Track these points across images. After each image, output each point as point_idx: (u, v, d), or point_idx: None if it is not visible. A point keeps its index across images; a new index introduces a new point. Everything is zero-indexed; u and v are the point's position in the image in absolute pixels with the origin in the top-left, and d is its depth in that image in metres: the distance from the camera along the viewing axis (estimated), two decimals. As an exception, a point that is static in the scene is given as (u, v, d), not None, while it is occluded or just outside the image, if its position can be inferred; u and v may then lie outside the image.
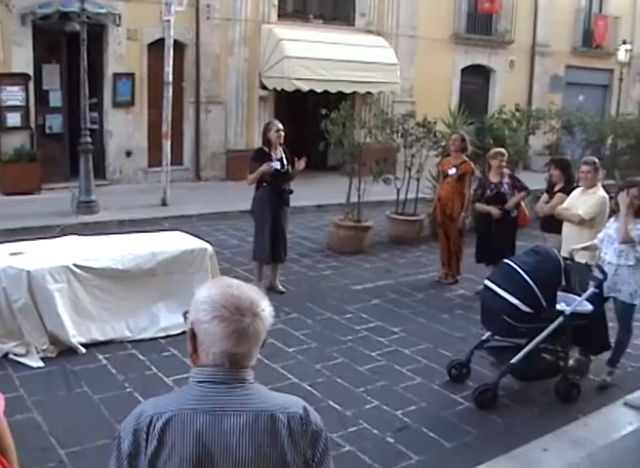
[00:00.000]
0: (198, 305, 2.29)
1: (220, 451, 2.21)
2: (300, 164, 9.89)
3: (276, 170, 9.60)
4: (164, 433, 2.21)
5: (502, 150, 10.60)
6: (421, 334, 8.80)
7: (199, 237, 9.36)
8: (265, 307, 2.31)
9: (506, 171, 10.47)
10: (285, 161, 9.76)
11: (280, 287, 10.11)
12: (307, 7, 21.08)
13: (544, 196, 9.38)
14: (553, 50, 27.34)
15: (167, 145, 15.65)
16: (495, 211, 10.07)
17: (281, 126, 9.82)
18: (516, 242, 10.24)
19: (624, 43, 27.46)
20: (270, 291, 9.76)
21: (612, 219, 7.56)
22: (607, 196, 8.21)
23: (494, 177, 10.30)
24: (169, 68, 15.39)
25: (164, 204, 15.51)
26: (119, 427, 2.34)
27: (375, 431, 6.29)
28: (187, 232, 9.56)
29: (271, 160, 9.59)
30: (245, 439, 2.22)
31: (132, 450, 2.22)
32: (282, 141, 9.78)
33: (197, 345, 2.30)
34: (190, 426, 2.21)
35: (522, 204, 10.40)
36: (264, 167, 9.53)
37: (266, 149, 9.72)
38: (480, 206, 10.34)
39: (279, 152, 9.75)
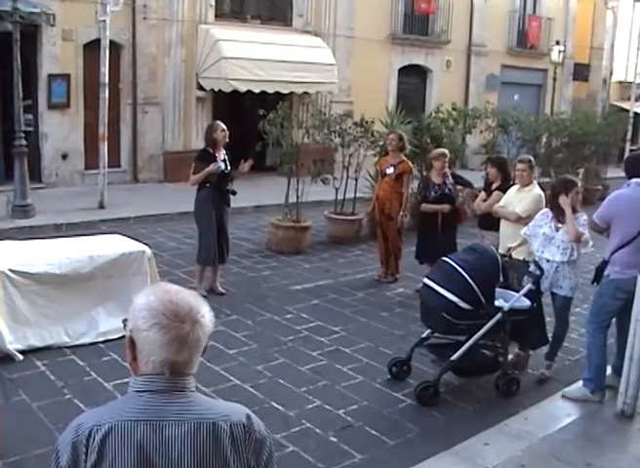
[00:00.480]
0: (136, 313, 2.23)
1: (161, 462, 2.16)
2: (245, 167, 9.92)
3: (222, 170, 9.59)
4: (104, 445, 2.14)
5: (445, 151, 10.66)
6: (362, 333, 8.83)
7: (137, 240, 9.25)
8: (205, 313, 2.27)
9: (448, 171, 10.53)
10: (227, 162, 9.76)
11: (220, 288, 10.05)
12: (245, 7, 21.01)
13: (482, 194, 9.48)
14: (489, 50, 27.73)
15: (104, 147, 15.44)
16: (445, 207, 10.12)
17: (224, 126, 9.81)
18: (457, 240, 10.33)
19: (558, 44, 27.98)
20: (210, 292, 9.74)
21: (538, 217, 7.66)
22: (543, 193, 8.34)
23: (437, 179, 10.34)
24: (105, 69, 15.20)
25: (101, 207, 15.31)
26: (59, 435, 2.28)
27: (318, 431, 6.29)
28: (125, 235, 9.43)
29: (216, 161, 9.57)
30: (187, 449, 2.17)
31: (71, 465, 2.16)
32: (227, 141, 9.78)
33: (136, 353, 2.25)
34: (131, 437, 2.15)
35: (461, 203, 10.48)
36: (212, 167, 9.48)
37: (211, 150, 9.67)
38: (426, 206, 10.36)
39: (222, 153, 9.74)
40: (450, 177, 10.39)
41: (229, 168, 9.77)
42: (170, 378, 2.22)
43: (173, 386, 2.23)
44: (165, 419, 2.18)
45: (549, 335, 7.67)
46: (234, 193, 9.96)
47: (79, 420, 2.24)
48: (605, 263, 6.93)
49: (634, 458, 5.96)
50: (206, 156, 9.67)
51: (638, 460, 5.93)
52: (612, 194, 6.99)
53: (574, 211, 7.31)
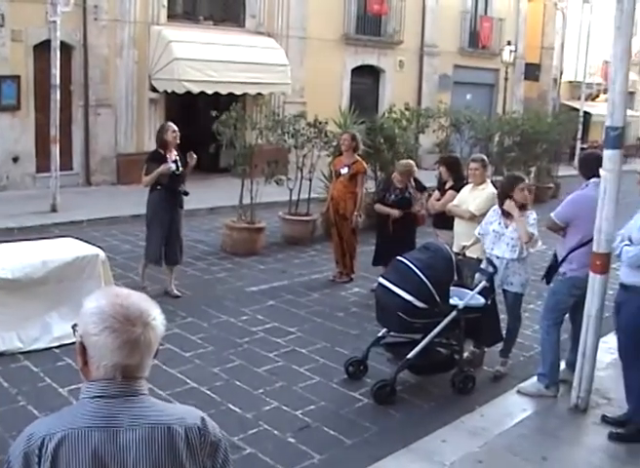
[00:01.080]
0: (87, 317, 2.19)
1: None
2: (192, 156, 9.84)
3: (173, 171, 9.56)
4: (57, 454, 2.10)
5: (412, 167, 10.37)
6: (318, 334, 8.83)
7: (90, 243, 9.14)
8: (156, 316, 2.24)
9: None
10: (179, 163, 9.72)
11: (175, 291, 9.99)
12: (197, 8, 20.90)
13: (436, 193, 9.53)
14: (441, 50, 27.93)
15: (55, 150, 15.26)
16: (395, 212, 10.13)
17: (176, 128, 9.81)
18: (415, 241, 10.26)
19: (509, 44, 28.32)
20: (165, 295, 9.69)
21: (489, 215, 7.73)
22: (496, 192, 8.40)
23: (399, 183, 10.30)
24: (56, 71, 15.02)
25: (54, 210, 15.13)
26: (12, 442, 2.25)
27: (275, 432, 6.28)
28: (78, 238, 9.32)
29: (167, 162, 9.55)
30: (142, 454, 2.15)
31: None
32: (178, 142, 9.76)
33: (87, 358, 2.22)
34: (85, 445, 2.12)
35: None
36: (163, 168, 9.47)
37: (162, 151, 9.66)
38: (379, 207, 10.37)
39: (174, 154, 9.71)
40: (412, 182, 10.34)
41: (181, 169, 9.73)
42: (122, 383, 2.20)
43: (125, 391, 2.20)
44: (119, 425, 2.15)
45: (503, 332, 7.75)
46: (186, 194, 9.93)
47: (31, 429, 2.20)
48: (558, 262, 7.01)
49: (588, 451, 6.05)
50: (157, 157, 9.65)
51: (592, 452, 6.01)
52: (572, 195, 7.04)
53: (524, 208, 7.40)
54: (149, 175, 9.58)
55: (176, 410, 2.30)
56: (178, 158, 9.74)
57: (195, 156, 9.91)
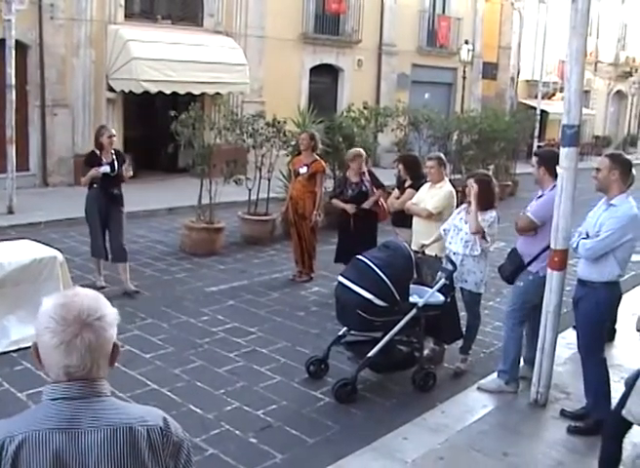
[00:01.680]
0: (37, 318, 2.19)
1: None
2: (128, 170, 10.14)
3: (105, 173, 9.80)
4: (17, 457, 2.08)
5: (360, 151, 10.62)
6: (279, 333, 8.82)
7: (48, 245, 9.05)
8: (102, 316, 2.20)
9: (366, 169, 10.50)
10: (116, 164, 9.91)
11: (132, 286, 10.09)
12: (155, 7, 20.73)
13: (395, 192, 9.55)
14: (399, 49, 28.04)
15: (12, 151, 15.08)
16: (349, 207, 10.16)
17: (114, 132, 10.21)
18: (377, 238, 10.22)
19: (466, 43, 28.52)
20: (125, 296, 9.70)
21: (456, 211, 7.81)
22: (454, 190, 8.47)
23: (354, 177, 10.35)
24: (11, 70, 14.85)
25: (10, 212, 14.94)
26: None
27: (237, 432, 6.26)
28: (36, 240, 9.21)
29: (101, 164, 9.79)
30: (104, 455, 2.13)
31: None
32: (113, 147, 10.04)
33: (41, 360, 2.22)
34: (46, 447, 2.10)
35: (381, 199, 10.44)
36: (92, 172, 9.81)
37: (98, 152, 9.91)
38: (336, 202, 10.40)
39: (110, 155, 9.92)
40: (367, 176, 10.39)
41: (117, 170, 9.91)
42: (82, 384, 2.18)
43: (86, 392, 2.18)
44: (80, 427, 2.13)
45: (463, 329, 7.80)
46: (118, 196, 10.10)
47: None
48: (524, 262, 7.01)
49: (547, 445, 6.11)
50: (91, 159, 9.97)
51: (551, 446, 6.07)
52: (548, 196, 6.95)
53: (491, 206, 7.45)
54: (84, 176, 9.96)
55: (138, 411, 2.28)
56: (114, 159, 9.92)
57: (131, 173, 10.24)
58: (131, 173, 10.21)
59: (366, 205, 10.19)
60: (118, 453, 2.15)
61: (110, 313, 2.24)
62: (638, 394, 4.86)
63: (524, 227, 7.05)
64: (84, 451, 2.12)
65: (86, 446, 2.13)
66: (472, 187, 7.44)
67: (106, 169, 9.79)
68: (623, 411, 4.95)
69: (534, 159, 7.28)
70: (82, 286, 2.38)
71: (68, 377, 2.17)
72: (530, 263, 6.97)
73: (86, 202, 10.13)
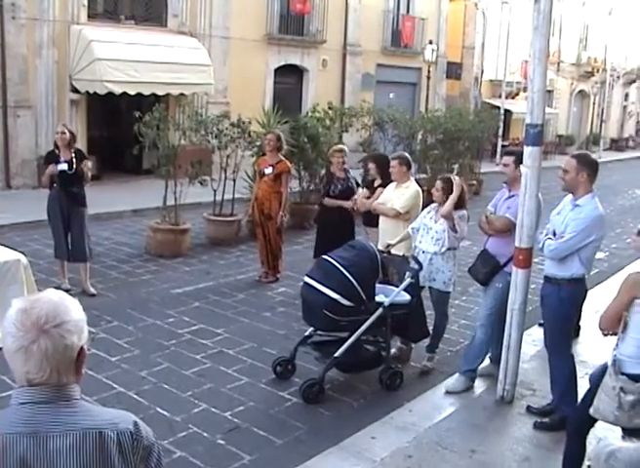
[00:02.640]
0: (4, 321, 2.17)
1: None
2: (87, 166, 9.99)
3: (62, 171, 9.73)
4: None
5: (341, 147, 10.70)
6: (245, 334, 8.80)
7: (12, 248, 8.93)
8: (61, 323, 2.16)
9: (346, 166, 10.49)
10: (75, 162, 9.82)
11: (91, 289, 10.05)
12: (119, 7, 20.56)
13: (364, 191, 9.50)
14: (364, 49, 28.07)
15: (-28, 153, 14.92)
16: (348, 203, 10.12)
17: (62, 129, 10.03)
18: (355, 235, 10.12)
19: (431, 43, 28.65)
20: (83, 294, 9.65)
21: (426, 210, 7.83)
22: (420, 189, 8.48)
23: (339, 173, 10.37)
24: (-29, 72, 14.67)
25: (-28, 215, 14.78)
26: None
27: (205, 434, 6.24)
28: (-1, 243, 9.14)
29: (59, 162, 9.73)
30: (73, 460, 2.11)
31: None
32: (67, 143, 9.85)
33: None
34: (13, 451, 2.08)
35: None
36: (50, 168, 9.77)
37: (56, 151, 9.89)
38: (329, 201, 10.35)
39: (68, 153, 9.83)
40: (351, 172, 10.44)
41: (74, 168, 9.81)
42: (51, 389, 2.16)
43: (50, 397, 2.16)
44: (49, 431, 2.11)
45: (430, 328, 7.82)
46: (78, 195, 9.98)
47: None
48: (499, 263, 7.03)
49: (514, 441, 6.16)
50: (49, 157, 9.98)
51: (518, 442, 6.12)
52: None
53: (463, 206, 7.50)
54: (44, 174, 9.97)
55: (108, 415, 2.27)
56: (73, 157, 9.84)
57: (89, 173, 10.06)
58: (89, 172, 10.03)
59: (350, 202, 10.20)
60: (87, 458, 2.13)
61: (73, 319, 2.19)
62: (605, 392, 4.90)
63: (502, 228, 7.03)
64: (52, 456, 2.10)
65: (54, 450, 2.10)
66: (457, 186, 7.48)
67: (63, 166, 9.72)
68: (591, 410, 4.99)
69: (506, 158, 7.26)
70: (46, 289, 2.35)
71: (29, 383, 2.15)
72: (506, 264, 6.98)
73: (47, 202, 10.09)
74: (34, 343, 2.12)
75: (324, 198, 10.50)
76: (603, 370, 5.07)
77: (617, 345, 4.95)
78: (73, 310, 2.21)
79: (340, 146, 10.80)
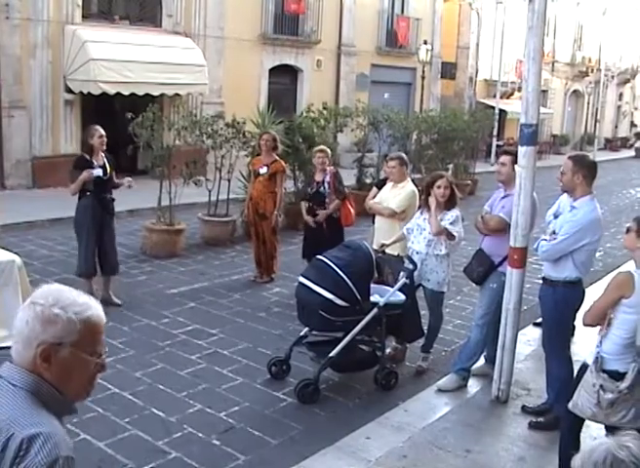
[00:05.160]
0: None
1: None
2: (125, 182, 9.62)
3: (98, 177, 9.21)
4: None
5: (322, 147, 10.62)
6: (240, 335, 8.80)
7: (6, 249, 8.90)
8: (39, 304, 2.22)
9: (331, 169, 10.35)
10: (107, 168, 9.37)
11: (116, 299, 9.70)
12: (113, 8, 20.50)
13: (374, 190, 9.36)
14: (358, 49, 28.10)
15: (-34, 154, 14.87)
16: (310, 220, 10.16)
17: (103, 131, 9.40)
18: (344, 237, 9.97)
19: (425, 43, 28.66)
20: (104, 304, 9.52)
21: (419, 211, 7.83)
22: (416, 189, 8.47)
23: (318, 176, 10.33)
24: (-35, 72, 14.63)
25: (-34, 215, 14.73)
26: None
27: (200, 435, 6.24)
28: (-7, 244, 9.12)
29: (93, 167, 9.19)
30: None
31: None
32: (104, 148, 9.40)
33: None
34: None
35: (347, 204, 10.25)
36: (85, 174, 9.10)
37: (87, 156, 9.29)
38: (302, 208, 10.42)
39: (101, 158, 9.34)
40: (328, 176, 10.25)
41: (109, 174, 9.39)
42: (9, 364, 2.23)
43: (9, 375, 2.21)
44: None
45: (425, 328, 7.83)
46: (112, 200, 9.61)
47: None
48: (494, 264, 7.03)
49: (509, 440, 6.17)
50: (81, 163, 9.26)
51: (513, 442, 6.13)
52: None
53: (452, 206, 7.48)
54: (74, 182, 9.20)
55: (17, 417, 2.12)
56: (105, 162, 9.37)
57: (127, 182, 9.64)
58: (128, 184, 9.62)
59: (320, 218, 10.13)
60: None
61: (48, 308, 2.21)
62: (585, 388, 4.97)
63: (496, 227, 7.04)
64: None
65: None
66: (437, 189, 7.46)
67: (99, 172, 9.18)
68: (570, 405, 5.05)
69: (504, 157, 7.26)
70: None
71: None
72: (501, 263, 6.98)
73: (77, 211, 9.41)
74: (20, 311, 2.24)
75: (302, 201, 10.51)
76: (583, 367, 5.14)
77: (599, 343, 5.01)
78: (57, 305, 2.23)
79: (321, 147, 10.75)
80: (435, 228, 7.36)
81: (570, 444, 5.20)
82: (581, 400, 5.00)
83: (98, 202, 9.32)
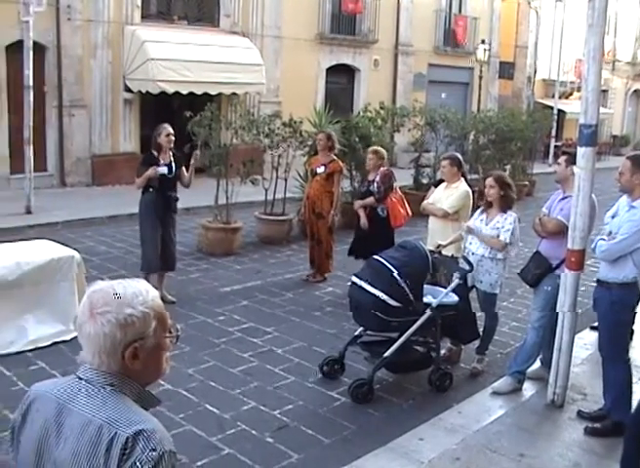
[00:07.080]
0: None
1: (54, 442, 2.20)
2: (195, 157, 10.04)
3: (163, 175, 9.40)
4: (28, 411, 2.33)
5: (376, 148, 10.60)
6: (295, 333, 8.83)
7: (66, 245, 9.06)
8: (104, 312, 2.20)
9: (383, 170, 10.26)
10: (174, 166, 9.55)
11: (169, 296, 9.73)
12: (172, 8, 20.74)
13: (433, 189, 9.28)
14: (416, 49, 27.99)
15: (29, 151, 15.11)
16: (362, 219, 10.19)
17: (171, 130, 9.59)
18: (394, 240, 9.90)
19: (483, 42, 28.42)
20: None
21: (478, 211, 7.76)
22: (470, 190, 8.42)
23: (371, 175, 10.35)
24: (29, 72, 14.87)
25: (28, 212, 14.99)
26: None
27: (254, 432, 6.27)
28: (53, 240, 9.23)
29: (159, 165, 9.38)
30: (72, 441, 2.16)
31: (17, 418, 2.37)
32: (172, 146, 9.57)
33: None
34: (43, 411, 2.26)
35: (397, 205, 10.18)
36: (150, 171, 9.29)
37: (155, 153, 9.48)
38: (356, 205, 10.42)
39: (168, 157, 9.52)
40: (379, 176, 10.20)
41: (175, 172, 9.56)
42: (94, 371, 2.25)
43: (92, 377, 2.24)
44: (74, 407, 2.21)
45: (480, 330, 7.77)
46: (176, 199, 9.78)
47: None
48: (551, 266, 6.96)
49: (564, 446, 6.07)
50: (148, 160, 9.51)
51: (568, 447, 6.04)
52: None
53: (508, 208, 7.42)
54: (140, 177, 9.40)
55: (125, 415, 2.17)
56: (172, 160, 9.55)
57: (198, 153, 10.10)
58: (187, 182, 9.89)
59: (356, 206, 10.35)
60: (81, 445, 2.15)
61: (116, 311, 2.22)
62: None
63: (554, 230, 6.98)
64: (64, 429, 2.20)
65: (67, 424, 2.20)
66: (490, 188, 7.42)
67: (164, 170, 9.39)
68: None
69: (562, 158, 7.20)
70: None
71: (83, 360, 2.27)
72: (558, 266, 6.91)
73: (140, 206, 9.67)
74: (84, 325, 2.24)
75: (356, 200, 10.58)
76: None
77: None
78: (124, 304, 2.24)
79: (374, 148, 10.71)
80: (494, 244, 7.35)
81: (633, 450, 5.11)
82: None
83: (161, 199, 9.51)
